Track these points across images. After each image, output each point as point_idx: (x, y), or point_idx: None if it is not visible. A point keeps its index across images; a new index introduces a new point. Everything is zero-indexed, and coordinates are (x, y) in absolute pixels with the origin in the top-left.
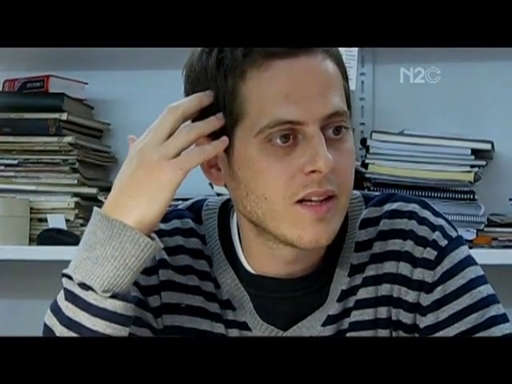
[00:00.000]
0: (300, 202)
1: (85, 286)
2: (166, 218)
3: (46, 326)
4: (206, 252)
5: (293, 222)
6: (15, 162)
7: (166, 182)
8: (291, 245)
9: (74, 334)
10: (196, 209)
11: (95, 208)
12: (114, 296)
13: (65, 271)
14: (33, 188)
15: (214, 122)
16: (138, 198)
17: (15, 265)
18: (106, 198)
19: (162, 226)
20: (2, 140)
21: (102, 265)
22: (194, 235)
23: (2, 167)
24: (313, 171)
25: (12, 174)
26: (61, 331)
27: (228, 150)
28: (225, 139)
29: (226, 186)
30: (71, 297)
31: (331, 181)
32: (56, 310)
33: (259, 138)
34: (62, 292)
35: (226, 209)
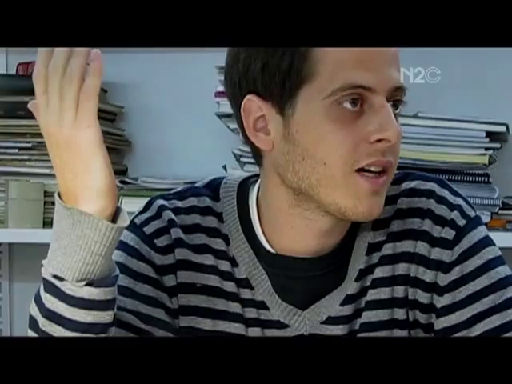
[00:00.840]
0: (359, 170)
1: (59, 278)
2: (182, 196)
3: (30, 316)
4: (222, 230)
5: (349, 190)
6: (29, 145)
7: (88, 149)
8: (340, 214)
9: (55, 325)
10: (213, 186)
11: (56, 196)
12: (89, 284)
13: (43, 261)
14: (47, 171)
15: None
16: (79, 177)
17: (30, 248)
18: (120, 182)
19: (179, 204)
20: (15, 123)
21: (70, 255)
22: (210, 213)
23: (16, 150)
24: (379, 140)
25: (26, 157)
26: (43, 323)
27: (286, 112)
28: (96, 54)
29: (257, 154)
30: (49, 287)
31: (392, 153)
32: (38, 301)
33: (329, 100)
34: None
35: (244, 187)
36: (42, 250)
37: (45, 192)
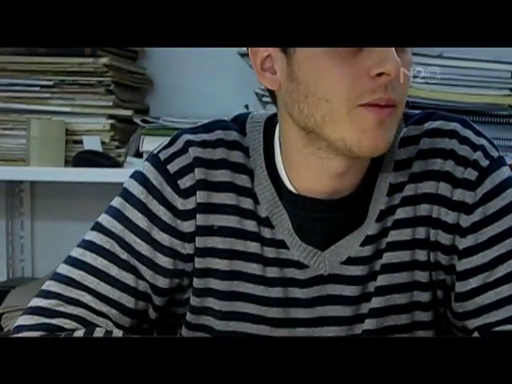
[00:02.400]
0: (363, 105)
1: None
2: (209, 128)
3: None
4: (248, 166)
5: (353, 124)
6: (51, 83)
7: None
8: (347, 151)
9: None
10: (240, 120)
11: None
12: None
13: None
14: (68, 109)
15: None
16: None
17: (51, 186)
18: (141, 121)
19: (206, 137)
20: (37, 61)
21: None
22: (237, 148)
23: (38, 88)
24: (380, 74)
25: (48, 95)
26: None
27: (288, 50)
28: None
29: (271, 94)
30: None
31: (395, 89)
32: None
33: None
34: None
35: (271, 123)
36: (63, 188)
37: (66, 130)
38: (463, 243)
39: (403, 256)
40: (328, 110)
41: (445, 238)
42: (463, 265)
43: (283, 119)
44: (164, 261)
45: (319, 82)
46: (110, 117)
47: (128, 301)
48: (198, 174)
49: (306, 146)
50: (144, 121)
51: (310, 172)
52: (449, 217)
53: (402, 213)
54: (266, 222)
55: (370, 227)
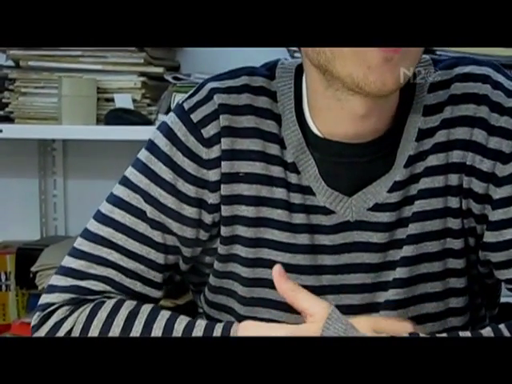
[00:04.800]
0: None
1: None
2: (235, 74)
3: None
4: (275, 111)
5: (360, 59)
6: None
7: None
8: (356, 87)
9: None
10: (270, 65)
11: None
12: None
13: None
14: (99, 67)
15: None
16: None
17: (83, 144)
18: (173, 78)
19: (231, 83)
20: None
21: None
22: (263, 93)
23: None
24: None
25: (79, 53)
26: None
27: None
28: None
29: None
30: None
31: None
32: None
33: None
34: None
35: (300, 71)
36: (95, 146)
37: (97, 88)
38: (498, 193)
39: (436, 203)
40: None
41: (478, 186)
42: (497, 215)
43: (305, 63)
44: (191, 211)
45: None
46: (141, 74)
47: (157, 257)
48: (223, 120)
49: (326, 88)
50: (175, 78)
51: (332, 115)
52: (484, 164)
53: (434, 159)
54: (293, 168)
55: (398, 173)
